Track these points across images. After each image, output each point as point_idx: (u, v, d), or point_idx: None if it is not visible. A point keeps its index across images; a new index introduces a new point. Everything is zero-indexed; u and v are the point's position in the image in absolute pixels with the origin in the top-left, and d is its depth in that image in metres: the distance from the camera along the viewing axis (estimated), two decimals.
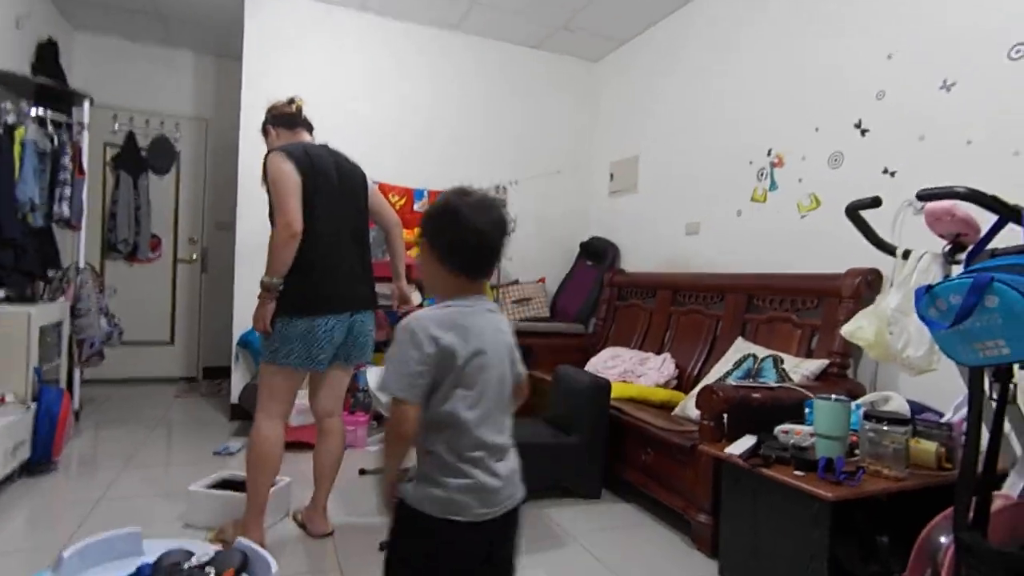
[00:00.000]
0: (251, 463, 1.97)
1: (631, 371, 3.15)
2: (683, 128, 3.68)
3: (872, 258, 2.11)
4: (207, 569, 1.05)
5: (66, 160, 3.36)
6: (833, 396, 1.81)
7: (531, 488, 1.97)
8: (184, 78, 5.00)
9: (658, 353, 3.25)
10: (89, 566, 1.01)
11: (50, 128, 3.34)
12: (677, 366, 3.10)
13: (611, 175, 4.37)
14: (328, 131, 4.12)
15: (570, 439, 2.65)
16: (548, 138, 4.67)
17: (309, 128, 2.28)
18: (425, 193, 4.33)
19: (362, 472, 2.88)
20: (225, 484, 2.30)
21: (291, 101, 2.27)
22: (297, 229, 1.90)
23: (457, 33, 4.40)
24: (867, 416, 1.80)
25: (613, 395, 2.73)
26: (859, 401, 2.07)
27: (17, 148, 3.10)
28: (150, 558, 1.07)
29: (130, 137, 4.91)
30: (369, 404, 3.54)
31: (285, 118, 2.24)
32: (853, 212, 1.76)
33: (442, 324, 1.06)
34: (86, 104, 3.63)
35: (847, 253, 2.44)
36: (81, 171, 3.48)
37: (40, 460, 2.59)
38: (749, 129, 3.18)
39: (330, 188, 2.04)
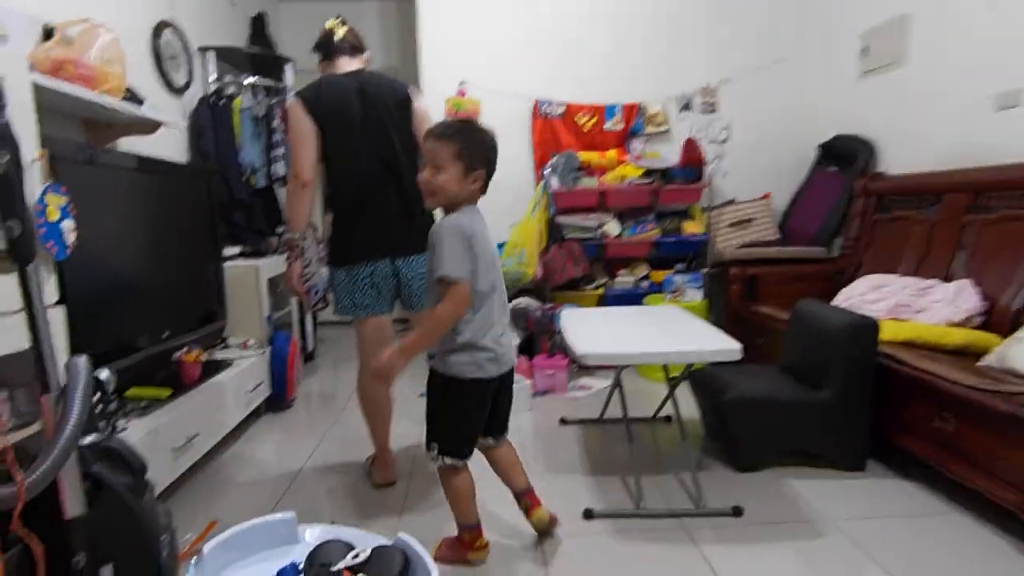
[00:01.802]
0: (363, 412, 2.08)
1: (906, 305, 2.34)
2: None
3: None
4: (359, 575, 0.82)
5: (277, 122, 3.58)
6: None
7: (768, 452, 1.91)
8: (371, 28, 5.08)
9: (946, 280, 2.37)
10: (235, 559, 0.85)
11: (260, 95, 3.57)
12: (985, 297, 2.20)
13: (863, 49, 3.30)
14: (508, 52, 3.87)
15: (819, 394, 2.04)
16: (758, 20, 3.73)
17: (355, 50, 2.00)
18: (618, 109, 3.78)
19: (563, 421, 2.64)
20: None
21: (328, 29, 2.00)
22: (304, 178, 1.84)
23: None
24: None
25: (882, 337, 2.03)
26: None
27: (236, 117, 3.36)
28: (303, 549, 0.87)
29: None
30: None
31: (320, 47, 2.00)
32: None
33: (469, 224, 1.38)
34: (288, 68, 3.82)
35: None
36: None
37: (278, 397, 2.85)
38: None
39: (347, 124, 1.86)
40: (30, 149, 1.41)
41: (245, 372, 2.52)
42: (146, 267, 2.13)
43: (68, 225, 1.49)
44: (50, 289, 1.47)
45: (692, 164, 3.55)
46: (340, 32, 1.99)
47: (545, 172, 3.60)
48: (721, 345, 1.77)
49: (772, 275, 3.14)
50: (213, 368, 2.36)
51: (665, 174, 3.52)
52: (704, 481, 1.96)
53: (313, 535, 0.94)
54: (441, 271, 1.32)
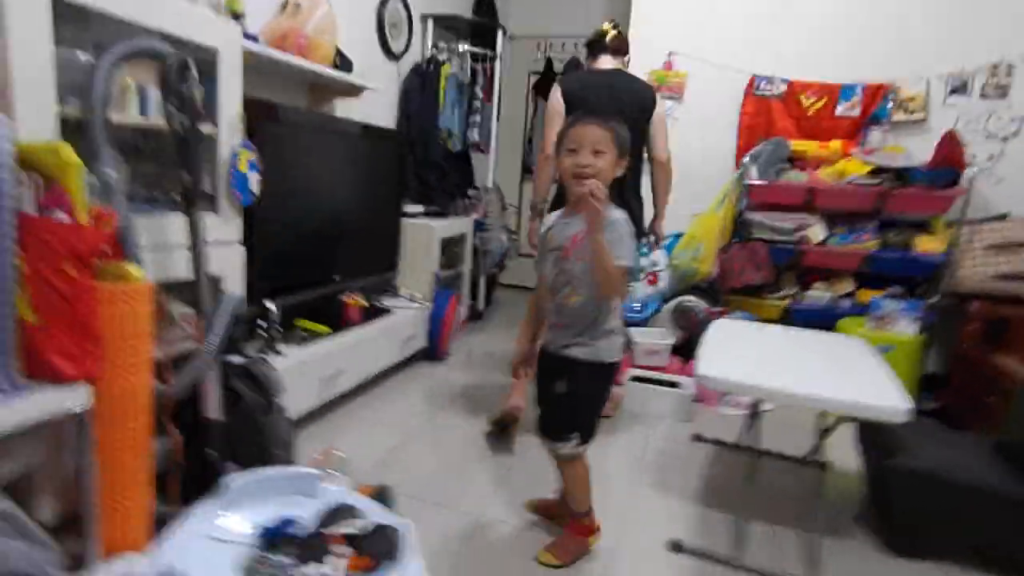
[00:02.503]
0: None
1: None
2: None
3: None
4: (331, 552, 0.85)
5: (478, 89, 3.75)
6: None
7: (943, 541, 1.59)
8: None
9: None
10: (256, 496, 0.94)
11: (469, 62, 3.76)
12: None
13: None
14: (725, 19, 3.43)
15: None
16: None
17: (617, 52, 2.33)
18: (858, 90, 3.15)
19: (697, 438, 2.39)
20: None
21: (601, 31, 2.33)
22: (547, 152, 2.18)
23: None
24: None
25: None
26: None
27: (443, 82, 3.59)
28: (316, 506, 0.94)
29: (548, 64, 5.23)
30: None
31: (590, 44, 2.37)
32: None
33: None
34: (499, 35, 3.93)
35: None
36: (488, 98, 3.84)
37: (433, 349, 3.08)
38: None
39: (589, 108, 2.03)
40: (232, 110, 1.67)
41: (403, 322, 2.76)
42: (327, 217, 2.43)
43: (254, 176, 1.76)
44: (234, 229, 1.75)
45: (948, 164, 2.81)
46: (610, 34, 2.32)
47: (745, 160, 3.19)
48: (881, 401, 1.40)
49: None
50: (374, 314, 2.63)
51: (902, 174, 2.86)
52: (837, 551, 1.63)
53: (333, 495, 0.99)
54: (626, 261, 1.39)
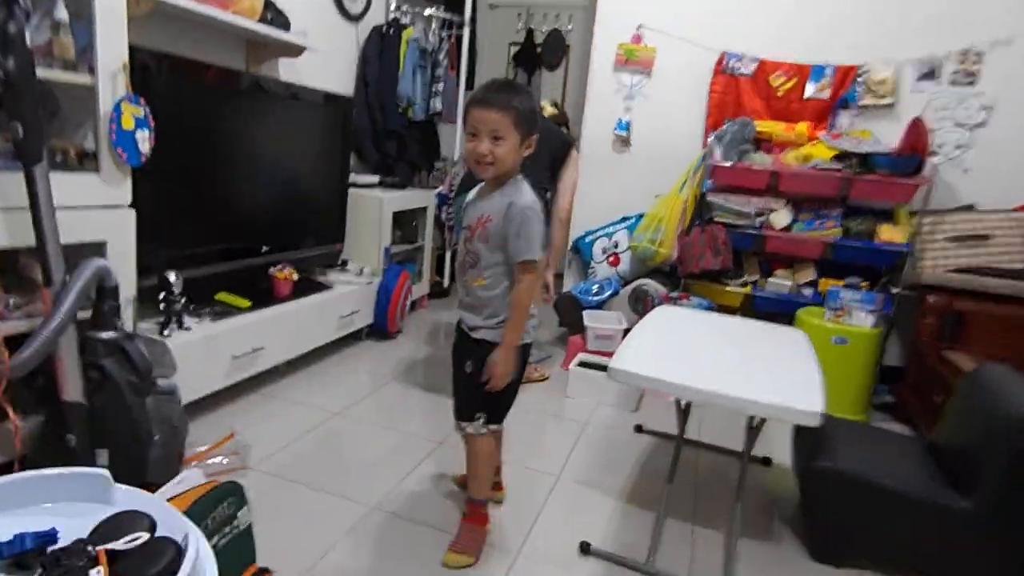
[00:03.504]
0: None
1: None
2: None
3: None
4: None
5: (442, 57, 3.57)
6: None
7: (861, 548, 1.52)
8: None
9: None
10: (26, 502, 0.83)
11: (435, 27, 3.57)
12: None
13: None
14: (699, 1, 3.24)
15: (961, 501, 1.41)
16: None
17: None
18: (828, 71, 3.00)
19: (639, 429, 2.30)
20: None
21: None
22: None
23: None
24: None
25: None
26: None
27: (404, 47, 3.41)
28: (105, 512, 0.82)
29: (528, 34, 5.03)
30: None
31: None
32: None
33: (536, 202, 1.40)
34: (468, 1, 3.73)
35: None
36: (454, 67, 3.67)
37: (380, 327, 2.97)
38: None
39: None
40: (114, 60, 1.53)
41: (343, 298, 2.65)
42: (252, 184, 2.29)
43: (143, 135, 1.62)
44: (121, 192, 1.61)
45: (913, 151, 2.68)
46: (547, 111, 2.70)
47: (710, 140, 3.04)
48: (794, 402, 1.29)
49: (989, 316, 2.29)
50: (308, 288, 2.50)
51: (866, 160, 2.72)
52: (756, 555, 1.55)
53: (126, 500, 0.88)
54: (530, 254, 1.34)
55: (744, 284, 3.00)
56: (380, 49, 3.38)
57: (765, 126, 3.01)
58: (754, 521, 1.75)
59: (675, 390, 1.41)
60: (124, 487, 0.90)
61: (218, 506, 1.10)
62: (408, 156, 3.65)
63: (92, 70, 1.49)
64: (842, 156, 2.74)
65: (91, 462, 1.44)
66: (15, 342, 1.28)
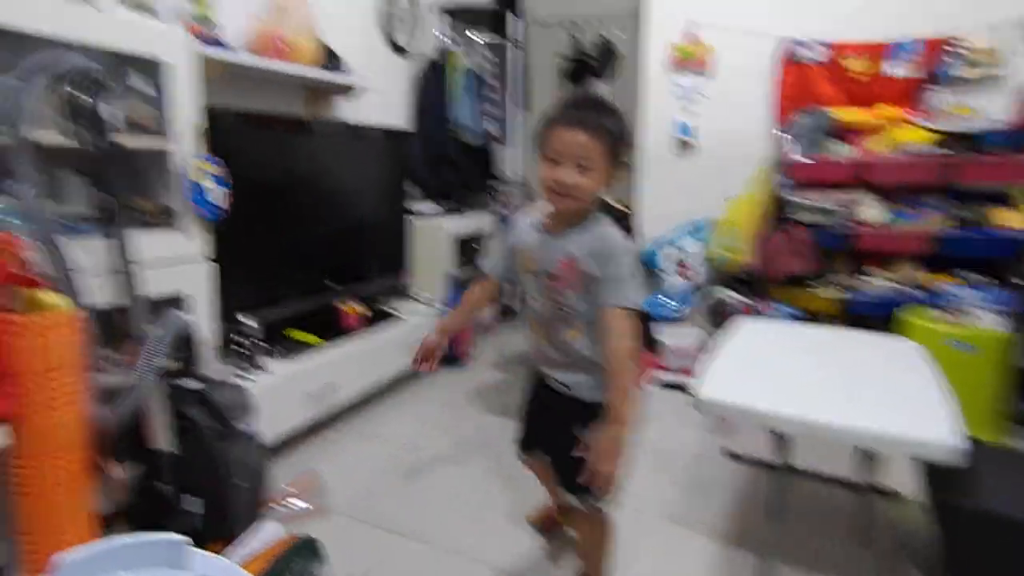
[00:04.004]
0: None
1: None
2: None
3: None
4: None
5: (491, 79, 3.57)
6: None
7: None
8: None
9: None
10: (104, 570, 0.82)
11: (482, 51, 3.58)
12: None
13: None
14: None
15: None
16: None
17: None
18: (911, 45, 2.74)
19: (732, 456, 2.13)
20: None
21: None
22: None
23: None
24: None
25: None
26: None
27: (454, 74, 3.44)
28: None
29: (577, 47, 4.97)
30: None
31: None
32: None
33: None
34: (512, 21, 3.73)
35: None
36: (503, 88, 3.66)
37: (450, 356, 2.95)
38: None
39: None
40: (188, 124, 1.59)
41: (411, 327, 2.65)
42: (314, 223, 2.33)
43: (219, 190, 1.67)
44: (200, 246, 1.67)
45: None
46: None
47: (781, 135, 2.85)
48: (925, 433, 1.12)
49: None
50: (377, 320, 2.52)
51: (972, 139, 2.45)
52: None
53: (203, 566, 0.86)
54: (635, 299, 1.14)
55: (835, 287, 2.76)
56: (431, 79, 3.42)
57: (843, 114, 2.78)
58: (881, 567, 1.55)
59: (774, 422, 1.27)
60: (201, 553, 0.89)
61: (294, 563, 1.07)
62: (465, 180, 3.66)
63: (169, 134, 1.56)
64: (941, 137, 2.49)
65: (182, 509, 1.48)
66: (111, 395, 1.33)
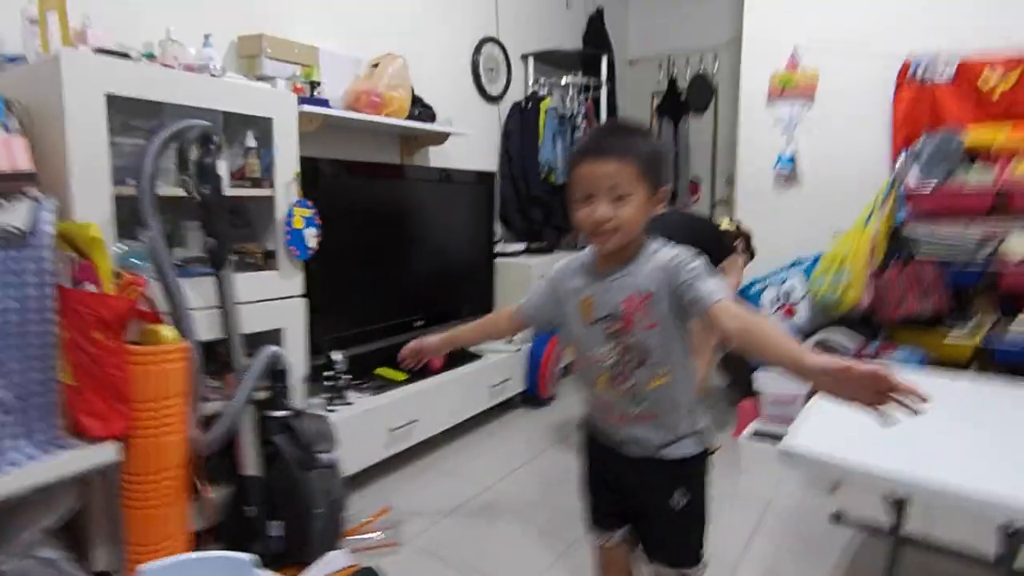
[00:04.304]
0: None
1: None
2: None
3: None
4: None
5: (580, 120, 3.60)
6: None
7: None
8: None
9: None
10: None
11: (572, 93, 3.64)
12: None
13: None
14: (868, 3, 2.84)
15: None
16: None
17: None
18: None
19: (836, 518, 1.89)
20: None
21: None
22: None
23: None
24: None
25: None
26: None
27: (543, 117, 3.51)
28: None
29: (671, 83, 4.91)
30: None
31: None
32: None
33: None
34: (604, 62, 3.76)
35: None
36: (594, 127, 3.67)
37: (532, 395, 2.92)
38: None
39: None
40: (288, 173, 1.75)
41: (492, 366, 2.66)
42: (403, 264, 2.44)
43: (311, 232, 1.81)
44: (294, 284, 1.80)
45: None
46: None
47: (900, 161, 2.59)
48: None
49: None
50: (460, 359, 2.56)
51: None
52: None
53: None
54: (722, 289, 0.98)
55: (974, 332, 2.41)
56: (520, 123, 3.51)
57: (980, 134, 2.48)
58: None
59: (889, 483, 1.10)
60: (265, 572, 0.93)
61: None
62: (554, 221, 3.68)
63: (272, 184, 1.72)
64: None
65: (266, 532, 1.56)
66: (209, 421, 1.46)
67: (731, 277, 2.22)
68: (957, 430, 1.28)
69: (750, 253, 2.64)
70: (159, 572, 0.88)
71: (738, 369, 2.74)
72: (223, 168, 1.64)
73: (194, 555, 0.91)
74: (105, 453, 1.25)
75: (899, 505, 1.38)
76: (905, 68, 2.74)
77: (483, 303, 2.93)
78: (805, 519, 1.90)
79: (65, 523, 1.32)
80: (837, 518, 1.89)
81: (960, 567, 1.63)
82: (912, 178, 2.50)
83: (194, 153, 1.38)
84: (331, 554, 1.28)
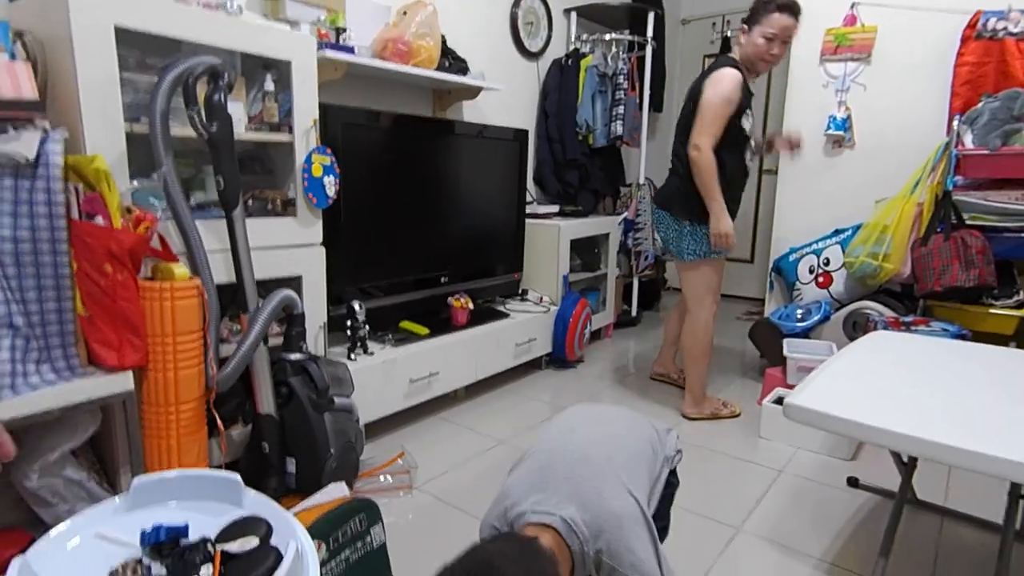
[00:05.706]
0: (693, 354, 2.34)
1: None
2: None
3: None
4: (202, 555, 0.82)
5: (622, 79, 3.49)
6: None
7: None
8: None
9: None
10: (166, 499, 0.94)
11: (615, 51, 3.52)
12: None
13: None
14: None
15: None
16: None
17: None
18: None
19: (852, 483, 1.85)
20: None
21: None
22: (705, 149, 2.13)
23: None
24: None
25: None
26: None
27: (583, 75, 3.42)
28: (235, 513, 0.91)
29: (724, 43, 4.69)
30: None
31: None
32: None
33: None
34: (651, 18, 3.60)
35: None
36: (633, 89, 3.56)
37: (558, 357, 2.94)
38: None
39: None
40: (307, 119, 1.78)
41: (518, 326, 2.68)
42: (432, 220, 2.46)
43: (330, 180, 1.84)
44: (313, 232, 1.85)
45: None
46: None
47: (955, 124, 2.42)
48: None
49: None
50: (485, 316, 2.59)
51: None
52: None
53: (254, 504, 0.95)
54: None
55: (1017, 305, 2.27)
56: (559, 80, 3.44)
57: None
58: None
59: (885, 439, 1.07)
60: (254, 492, 0.98)
61: (348, 521, 1.14)
62: (591, 184, 3.62)
63: (291, 129, 1.76)
64: None
65: (283, 468, 1.65)
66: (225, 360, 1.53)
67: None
68: (974, 394, 1.23)
69: None
70: (152, 484, 0.95)
71: (768, 339, 2.68)
72: (239, 110, 1.68)
73: (185, 472, 0.97)
74: (120, 383, 1.31)
75: (908, 468, 1.34)
76: (974, 21, 2.52)
77: (512, 264, 2.94)
78: (820, 484, 1.87)
79: (91, 448, 1.41)
80: (853, 482, 1.86)
81: (969, 531, 1.59)
82: (965, 141, 2.33)
83: (202, 90, 1.41)
84: (332, 485, 1.35)
